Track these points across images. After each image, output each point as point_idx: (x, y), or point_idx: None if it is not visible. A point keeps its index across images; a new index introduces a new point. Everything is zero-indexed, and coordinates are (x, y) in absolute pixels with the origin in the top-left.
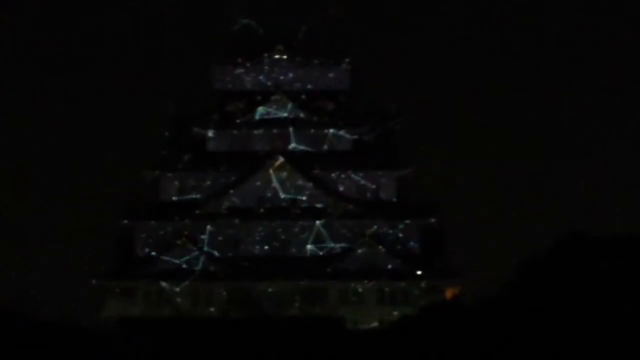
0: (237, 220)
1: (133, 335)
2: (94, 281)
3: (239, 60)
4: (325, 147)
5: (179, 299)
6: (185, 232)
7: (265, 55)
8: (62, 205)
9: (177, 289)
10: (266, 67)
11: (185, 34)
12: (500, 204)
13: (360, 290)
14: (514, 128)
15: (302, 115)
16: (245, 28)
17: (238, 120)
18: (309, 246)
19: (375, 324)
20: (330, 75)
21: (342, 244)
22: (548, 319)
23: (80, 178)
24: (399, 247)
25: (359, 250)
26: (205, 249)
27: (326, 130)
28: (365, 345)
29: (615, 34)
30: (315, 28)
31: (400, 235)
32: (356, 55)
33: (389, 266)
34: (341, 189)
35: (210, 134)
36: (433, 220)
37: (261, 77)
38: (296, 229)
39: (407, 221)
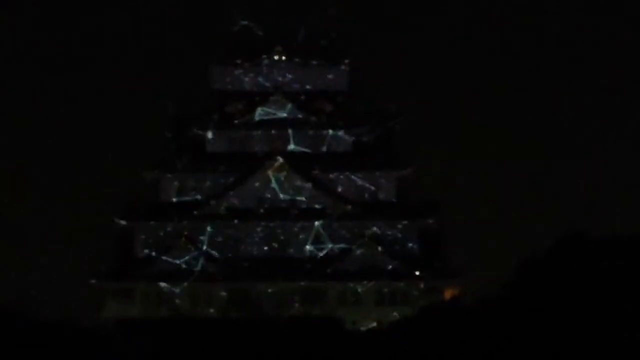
0: (236, 221)
1: (133, 336)
2: (93, 281)
3: (239, 61)
4: (325, 148)
5: (178, 300)
6: (185, 233)
7: (265, 56)
8: (62, 205)
9: (177, 290)
10: (265, 68)
11: (185, 34)
12: (500, 204)
13: (359, 290)
14: (514, 128)
15: (301, 116)
16: (244, 29)
17: (237, 121)
18: (308, 247)
19: (374, 324)
20: (330, 76)
21: (341, 245)
22: (548, 319)
23: (80, 178)
24: (398, 247)
25: (358, 251)
26: (205, 249)
27: (325, 131)
28: (365, 346)
29: (615, 34)
30: (315, 28)
31: (400, 235)
32: (356, 56)
33: (388, 267)
34: (340, 189)
35: (209, 134)
36: (432, 220)
37: (260, 78)
38: (295, 230)
39: (406, 222)
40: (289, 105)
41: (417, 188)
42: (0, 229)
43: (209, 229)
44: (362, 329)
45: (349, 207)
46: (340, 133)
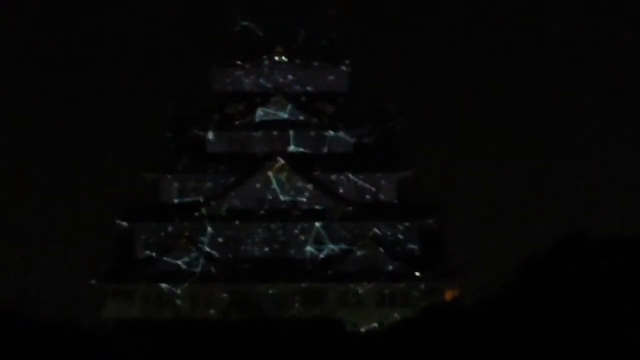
0: (237, 222)
1: (133, 337)
2: (93, 282)
3: (239, 61)
4: (325, 149)
5: (178, 301)
6: (185, 234)
7: (265, 57)
8: (62, 205)
9: (177, 291)
10: (266, 69)
11: (185, 34)
12: (500, 204)
13: (360, 292)
14: (514, 128)
15: (301, 117)
16: (245, 29)
17: (238, 122)
18: (308, 248)
19: (375, 325)
20: (330, 77)
21: (342, 246)
22: (548, 319)
23: (80, 178)
24: (399, 248)
25: (359, 252)
26: (205, 250)
27: (326, 132)
28: (365, 347)
29: (615, 34)
30: (315, 29)
31: (400, 236)
32: (356, 56)
33: (389, 268)
34: (341, 190)
35: (210, 135)
36: (432, 221)
37: (261, 79)
38: (296, 231)
39: (407, 223)
40: (290, 106)
41: (418, 189)
42: (0, 229)
43: (209, 229)
44: (363, 330)
45: (350, 208)
46: (341, 134)
